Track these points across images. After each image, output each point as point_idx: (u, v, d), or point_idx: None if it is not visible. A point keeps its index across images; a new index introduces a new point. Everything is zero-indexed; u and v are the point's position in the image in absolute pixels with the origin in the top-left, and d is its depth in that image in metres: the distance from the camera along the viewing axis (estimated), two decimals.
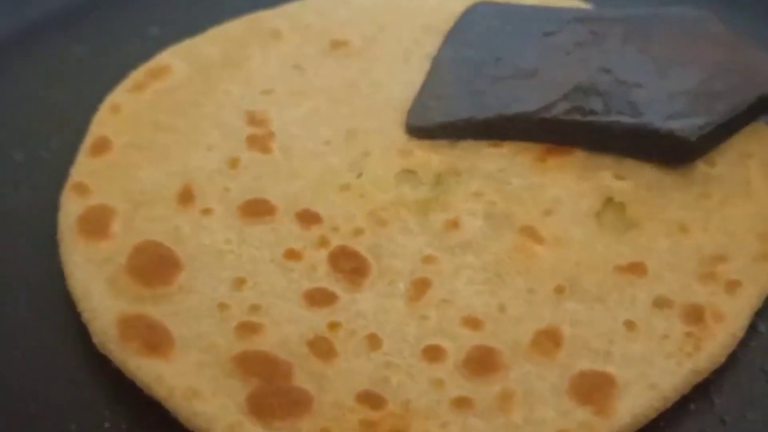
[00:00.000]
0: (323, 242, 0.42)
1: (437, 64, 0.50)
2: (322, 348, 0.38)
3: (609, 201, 0.44)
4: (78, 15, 0.56)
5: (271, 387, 0.37)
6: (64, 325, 0.41)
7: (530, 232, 0.42)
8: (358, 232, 0.42)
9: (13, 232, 0.45)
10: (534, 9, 0.53)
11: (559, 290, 0.40)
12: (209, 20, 0.53)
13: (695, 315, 0.39)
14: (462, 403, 0.36)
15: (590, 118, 0.45)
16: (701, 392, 0.38)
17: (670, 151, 0.44)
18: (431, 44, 0.52)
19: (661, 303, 0.39)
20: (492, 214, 0.43)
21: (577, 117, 0.45)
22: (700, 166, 0.45)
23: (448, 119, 0.47)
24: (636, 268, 0.41)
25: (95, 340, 0.39)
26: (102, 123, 0.47)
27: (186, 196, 0.44)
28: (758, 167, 0.45)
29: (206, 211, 0.43)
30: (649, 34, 0.49)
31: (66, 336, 0.41)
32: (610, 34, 0.49)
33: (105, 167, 0.45)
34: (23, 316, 0.42)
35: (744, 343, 0.39)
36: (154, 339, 0.38)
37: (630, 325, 0.39)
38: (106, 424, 0.38)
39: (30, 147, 0.48)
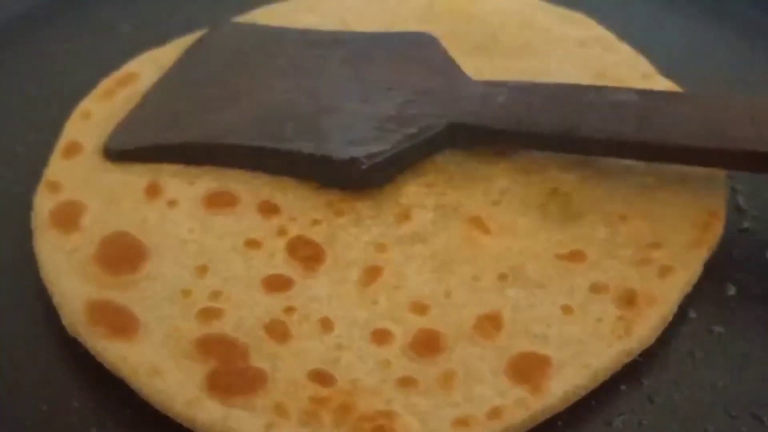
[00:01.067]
0: (282, 232, 0.44)
1: (157, 85, 0.50)
2: (277, 330, 0.40)
3: (554, 192, 0.46)
4: (53, 12, 0.58)
5: (228, 367, 0.39)
6: (35, 312, 0.43)
7: (477, 223, 0.45)
8: (315, 222, 0.45)
9: None
10: (278, 31, 0.54)
11: (503, 277, 0.42)
12: (177, 21, 0.56)
13: (628, 299, 0.41)
14: (406, 383, 0.39)
15: (274, 144, 0.46)
16: (632, 374, 0.40)
17: (350, 179, 0.45)
18: None
19: (597, 288, 0.42)
20: (442, 205, 0.45)
21: (261, 143, 0.46)
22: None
23: (145, 143, 0.47)
24: (576, 256, 0.43)
25: (65, 323, 0.41)
26: (73, 128, 0.49)
27: (153, 190, 0.46)
28: None
29: (172, 203, 0.46)
30: (370, 58, 0.50)
31: (37, 322, 0.43)
32: (333, 58, 0.50)
33: (76, 168, 0.47)
34: (3, 308, 0.44)
35: (675, 329, 0.42)
36: (120, 323, 0.40)
37: (567, 309, 0.41)
38: (75, 404, 0.40)
39: (5, 141, 0.51)
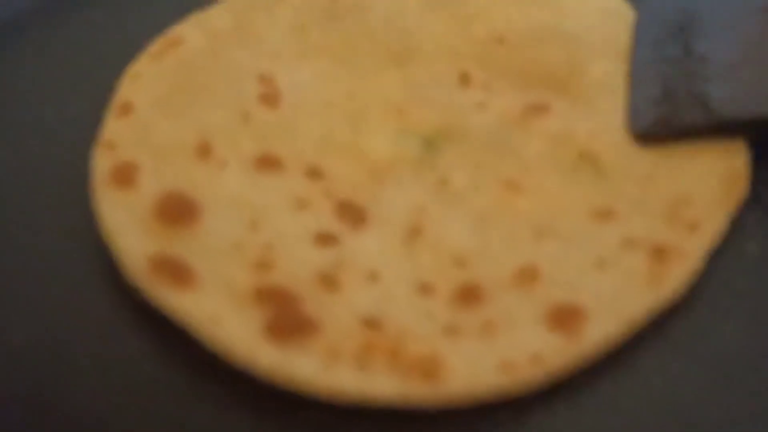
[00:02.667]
0: (328, 194, 0.47)
1: (635, 66, 0.51)
2: (328, 281, 0.43)
3: (584, 154, 0.48)
4: None
5: (284, 314, 0.41)
6: (93, 265, 0.46)
7: (511, 184, 0.47)
8: (358, 186, 0.47)
9: (46, 182, 0.49)
10: None
11: (537, 234, 0.45)
12: None
13: (658, 253, 0.44)
14: (451, 330, 0.41)
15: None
16: (657, 326, 0.43)
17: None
18: None
19: (628, 243, 0.44)
20: (478, 168, 0.48)
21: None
22: None
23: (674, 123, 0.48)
24: (606, 213, 0.46)
25: (127, 276, 0.44)
26: (125, 89, 0.51)
27: (203, 150, 0.48)
28: None
29: (222, 163, 0.48)
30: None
31: (95, 275, 0.45)
32: None
33: (130, 127, 0.49)
34: (57, 258, 0.46)
35: (699, 283, 0.44)
36: (180, 275, 0.43)
37: (600, 262, 0.44)
38: (132, 350, 0.43)
39: (60, 105, 0.53)
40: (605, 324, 0.42)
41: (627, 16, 0.56)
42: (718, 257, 0.45)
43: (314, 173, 0.48)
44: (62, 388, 0.42)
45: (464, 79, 0.52)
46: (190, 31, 0.54)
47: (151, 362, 0.42)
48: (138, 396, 0.42)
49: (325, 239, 0.45)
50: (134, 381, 0.42)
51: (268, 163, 0.48)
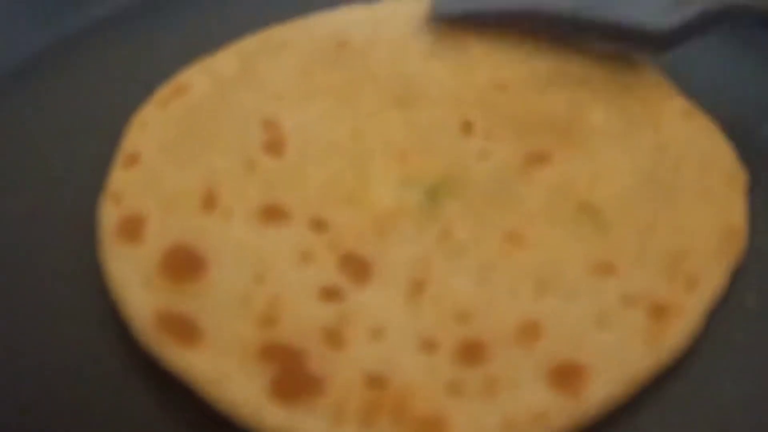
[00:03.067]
0: (332, 246, 0.47)
1: None
2: (332, 337, 0.43)
3: (585, 205, 0.49)
4: (104, 29, 0.60)
5: (289, 372, 0.42)
6: (98, 317, 0.46)
7: (514, 236, 0.48)
8: (362, 238, 0.47)
9: (53, 230, 0.50)
10: None
11: (539, 287, 0.46)
12: (225, 34, 0.58)
13: (658, 310, 0.44)
14: (454, 387, 0.42)
15: (589, 15, 0.54)
16: (656, 382, 0.43)
17: (647, 43, 0.54)
18: (427, 39, 0.57)
19: (628, 299, 0.45)
20: (480, 220, 0.48)
21: (574, 13, 0.55)
22: (668, 176, 0.50)
23: (465, 9, 0.57)
24: (607, 267, 0.46)
25: (135, 334, 0.44)
26: (132, 138, 0.52)
27: (209, 199, 0.49)
28: (717, 177, 0.50)
29: (228, 214, 0.48)
30: None
31: (100, 327, 0.46)
32: None
33: (136, 178, 0.50)
34: (63, 309, 0.47)
35: (697, 339, 0.45)
36: (186, 331, 0.43)
37: (601, 319, 0.44)
38: (138, 407, 0.43)
39: (66, 153, 0.53)
40: (606, 383, 0.42)
41: (627, 60, 0.56)
42: (717, 311, 0.46)
43: (319, 225, 0.48)
44: None
45: (466, 128, 0.53)
46: (196, 76, 0.55)
47: (157, 418, 0.43)
48: None
49: (330, 293, 0.45)
50: None
51: (273, 213, 0.49)
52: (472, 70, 0.55)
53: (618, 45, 0.55)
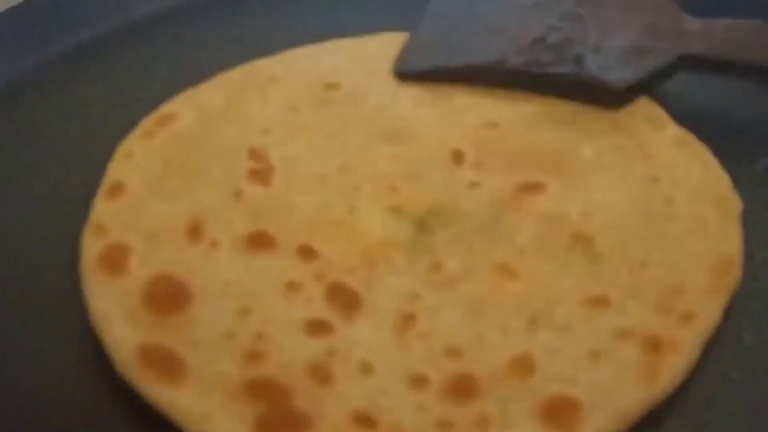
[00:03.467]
0: (320, 276, 0.46)
1: (422, 21, 0.60)
2: (320, 373, 0.42)
3: (577, 237, 0.48)
4: (91, 56, 0.60)
5: (275, 409, 0.41)
6: (81, 350, 0.45)
7: (505, 269, 0.47)
8: (351, 269, 0.46)
9: (36, 259, 0.49)
10: None
11: (531, 322, 0.45)
12: (212, 63, 0.58)
13: (653, 345, 0.43)
14: (445, 425, 0.41)
15: (540, 69, 0.55)
16: (651, 419, 0.42)
17: (604, 98, 0.54)
18: (413, 90, 0.56)
19: (622, 333, 0.44)
20: (471, 252, 0.47)
21: (531, 68, 0.55)
22: (661, 207, 0.49)
23: (428, 66, 0.57)
24: (600, 301, 0.45)
25: (118, 368, 0.43)
26: (116, 169, 0.51)
27: (194, 231, 0.48)
28: (711, 207, 0.49)
29: (213, 244, 0.47)
30: (600, 1, 0.58)
31: (83, 361, 0.45)
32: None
33: (120, 209, 0.49)
34: (45, 343, 0.46)
35: (693, 375, 0.43)
36: (170, 367, 0.42)
37: (594, 353, 0.43)
38: None
39: (49, 183, 0.53)
40: (599, 419, 0.41)
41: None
42: (712, 346, 0.45)
43: (306, 253, 0.47)
44: None
45: (457, 158, 0.52)
46: (182, 108, 0.54)
47: None
48: None
49: (318, 327, 0.44)
50: None
51: (259, 242, 0.48)
52: (462, 113, 0.55)
53: (575, 96, 0.55)
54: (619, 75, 0.54)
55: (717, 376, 0.44)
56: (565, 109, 0.55)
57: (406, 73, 0.57)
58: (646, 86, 0.55)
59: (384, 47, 0.59)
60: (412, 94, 0.56)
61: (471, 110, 0.55)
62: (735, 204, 0.50)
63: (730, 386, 0.44)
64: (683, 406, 0.43)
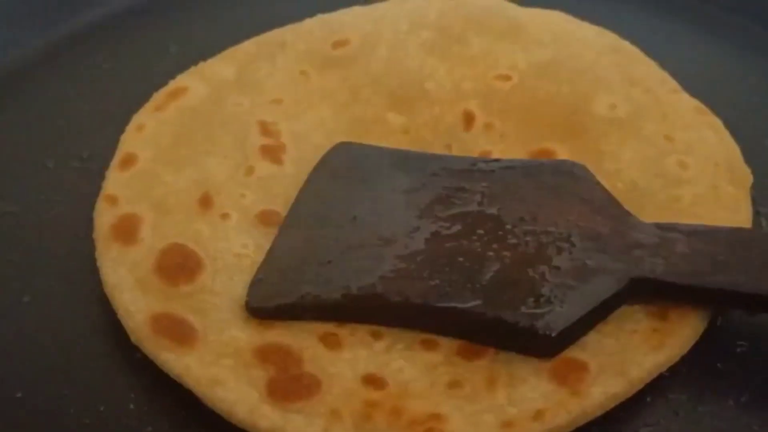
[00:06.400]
0: None
1: (284, 225, 0.46)
2: (329, 340, 0.43)
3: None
4: (103, 32, 0.61)
5: (285, 374, 0.41)
6: (96, 318, 0.46)
7: None
8: None
9: (50, 231, 0.50)
10: (399, 155, 0.49)
11: None
12: (222, 39, 0.58)
13: (661, 313, 0.43)
14: (453, 386, 0.41)
15: (445, 303, 0.41)
16: (658, 387, 0.42)
17: (533, 346, 0.41)
18: (425, 35, 0.56)
19: (631, 302, 0.43)
20: None
21: (432, 302, 0.41)
22: (675, 169, 0.49)
23: (287, 300, 0.43)
24: None
25: (131, 336, 0.43)
26: (128, 141, 0.52)
27: (205, 202, 0.48)
28: (724, 176, 0.49)
29: (224, 216, 0.48)
30: (517, 192, 0.45)
31: (97, 328, 0.45)
32: (474, 190, 0.46)
33: (132, 180, 0.49)
34: (60, 311, 0.46)
35: (700, 344, 0.43)
36: (182, 334, 0.43)
37: (603, 321, 0.43)
38: (131, 405, 0.43)
39: (63, 156, 0.53)
40: (607, 382, 0.41)
41: (627, 50, 0.56)
42: (720, 316, 0.44)
43: None
44: None
45: (468, 120, 0.52)
46: (193, 81, 0.55)
47: (149, 416, 0.42)
48: None
49: None
50: None
51: (269, 218, 0.48)
52: (473, 64, 0.55)
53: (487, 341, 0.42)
54: (550, 316, 0.40)
55: (723, 345, 0.44)
56: (579, 59, 0.54)
57: (261, 309, 0.43)
58: (594, 320, 0.41)
59: (394, 7, 0.59)
60: (423, 39, 0.56)
61: (482, 59, 0.55)
62: (746, 175, 0.49)
63: (736, 355, 0.44)
64: (689, 373, 0.43)
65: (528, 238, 0.43)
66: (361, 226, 0.45)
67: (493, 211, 0.45)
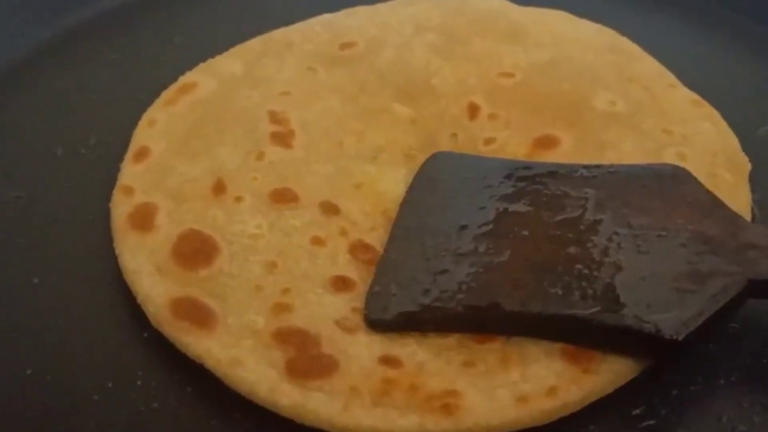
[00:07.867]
0: (343, 233, 0.47)
1: (395, 238, 0.46)
2: (346, 325, 0.44)
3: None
4: (109, 24, 0.62)
5: (304, 354, 0.42)
6: (107, 300, 0.47)
7: None
8: (372, 228, 0.48)
9: (56, 219, 0.50)
10: (498, 163, 0.49)
11: None
12: (226, 30, 0.59)
13: None
14: (468, 365, 0.42)
15: (567, 311, 0.41)
16: (651, 368, 0.42)
17: (653, 350, 0.41)
18: (430, 37, 0.58)
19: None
20: None
21: (553, 311, 0.42)
22: (674, 160, 0.49)
23: (408, 309, 0.43)
24: None
25: (151, 321, 0.44)
26: (141, 135, 0.53)
27: (219, 188, 0.49)
28: (722, 164, 0.50)
29: (238, 199, 0.49)
30: (625, 198, 0.45)
31: (107, 309, 0.46)
32: (580, 197, 0.45)
33: (147, 171, 0.50)
34: (68, 291, 0.47)
35: None
36: (201, 317, 0.43)
37: None
38: (138, 382, 0.43)
39: (69, 143, 0.54)
40: (615, 361, 0.42)
41: (626, 47, 0.57)
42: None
43: (329, 209, 0.49)
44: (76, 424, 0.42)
45: (473, 111, 0.53)
46: (201, 77, 0.56)
47: (156, 392, 0.43)
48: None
49: (342, 284, 0.45)
50: (156, 419, 0.43)
51: (283, 197, 0.49)
52: (477, 62, 0.56)
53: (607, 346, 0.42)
54: (673, 318, 0.40)
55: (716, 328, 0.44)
56: (580, 58, 0.56)
57: (381, 321, 0.43)
58: (716, 323, 0.41)
59: (398, 9, 0.61)
60: (428, 41, 0.58)
61: (486, 59, 0.56)
62: (744, 163, 0.51)
63: (728, 336, 0.44)
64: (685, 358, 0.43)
65: (639, 243, 0.43)
66: (470, 235, 0.45)
67: (600, 216, 0.44)
